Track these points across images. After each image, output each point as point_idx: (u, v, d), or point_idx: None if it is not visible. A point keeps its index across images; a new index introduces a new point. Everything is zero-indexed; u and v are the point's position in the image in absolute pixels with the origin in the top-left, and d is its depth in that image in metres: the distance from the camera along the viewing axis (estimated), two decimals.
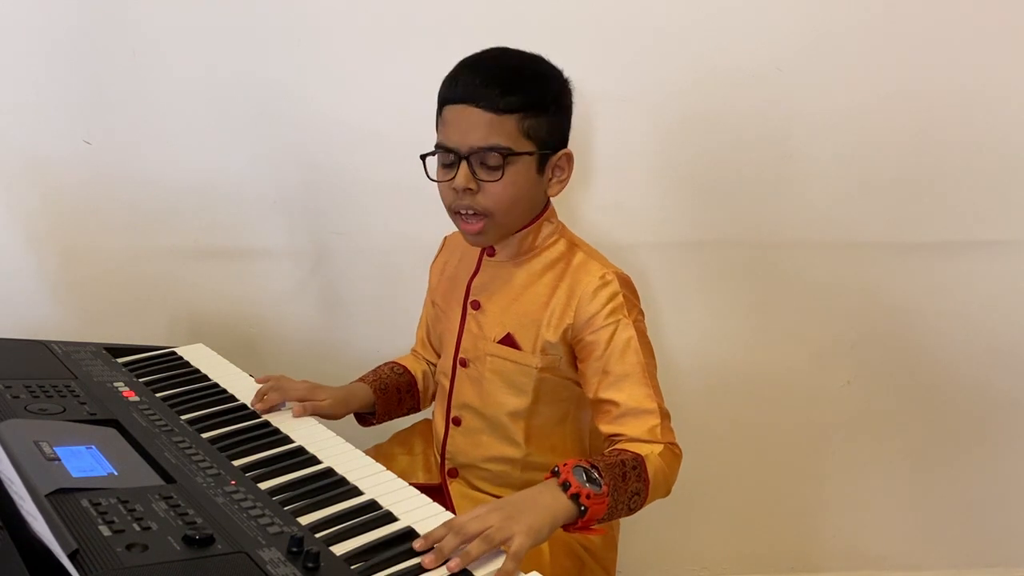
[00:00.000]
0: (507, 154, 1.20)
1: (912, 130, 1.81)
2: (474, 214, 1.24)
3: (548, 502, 1.05)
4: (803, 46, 1.76)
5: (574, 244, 1.32)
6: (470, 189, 1.22)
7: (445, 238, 1.50)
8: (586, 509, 1.06)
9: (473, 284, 1.35)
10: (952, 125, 1.82)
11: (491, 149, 1.20)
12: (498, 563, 0.96)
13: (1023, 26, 1.79)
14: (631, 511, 1.15)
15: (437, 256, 1.50)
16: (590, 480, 1.08)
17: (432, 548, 0.96)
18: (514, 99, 1.20)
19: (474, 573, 0.95)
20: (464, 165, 1.21)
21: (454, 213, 1.27)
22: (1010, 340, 1.94)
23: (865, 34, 1.76)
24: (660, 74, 1.75)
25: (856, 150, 1.82)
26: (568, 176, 1.29)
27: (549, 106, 1.24)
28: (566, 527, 1.08)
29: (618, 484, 1.11)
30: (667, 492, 1.22)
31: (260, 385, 1.34)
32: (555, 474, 1.09)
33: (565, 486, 1.07)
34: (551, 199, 1.33)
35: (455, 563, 0.94)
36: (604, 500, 1.08)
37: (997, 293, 1.91)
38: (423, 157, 1.26)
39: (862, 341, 1.93)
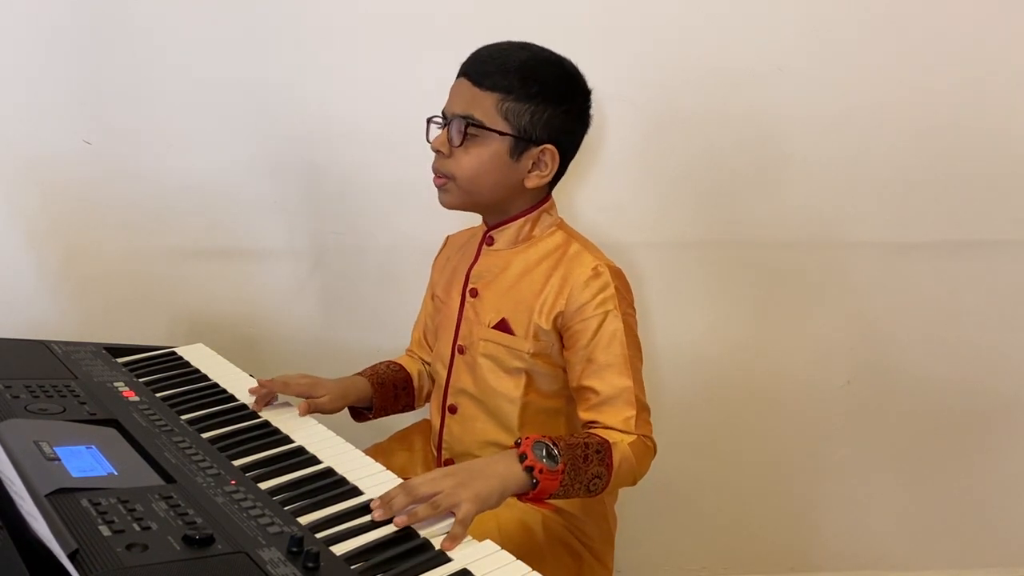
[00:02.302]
0: (476, 125, 1.25)
1: (912, 130, 1.81)
2: (442, 175, 1.30)
3: (501, 471, 1.09)
4: (803, 46, 1.76)
5: (571, 236, 1.35)
6: (441, 152, 1.29)
7: (448, 237, 1.53)
8: (537, 482, 1.10)
9: (472, 272, 1.38)
10: (952, 125, 1.82)
11: (464, 118, 1.26)
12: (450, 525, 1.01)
13: (1023, 26, 1.79)
14: (591, 493, 1.18)
15: (440, 253, 1.53)
16: (549, 456, 1.12)
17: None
18: (497, 79, 1.25)
19: (423, 534, 0.99)
20: (446, 130, 1.28)
21: (433, 171, 1.32)
22: (1010, 340, 1.94)
23: (865, 34, 1.77)
24: (660, 73, 1.75)
25: (856, 150, 1.82)
26: (550, 173, 1.31)
27: (535, 96, 1.26)
28: (519, 497, 1.12)
29: (577, 465, 1.15)
30: (633, 482, 1.26)
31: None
32: (517, 445, 1.13)
33: (522, 458, 1.11)
34: (552, 192, 1.36)
35: (401, 520, 1.00)
36: (557, 477, 1.12)
37: (997, 293, 1.91)
38: (429, 120, 1.33)
39: (862, 341, 1.93)
